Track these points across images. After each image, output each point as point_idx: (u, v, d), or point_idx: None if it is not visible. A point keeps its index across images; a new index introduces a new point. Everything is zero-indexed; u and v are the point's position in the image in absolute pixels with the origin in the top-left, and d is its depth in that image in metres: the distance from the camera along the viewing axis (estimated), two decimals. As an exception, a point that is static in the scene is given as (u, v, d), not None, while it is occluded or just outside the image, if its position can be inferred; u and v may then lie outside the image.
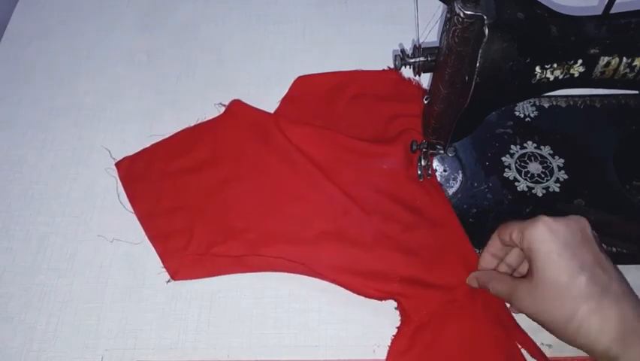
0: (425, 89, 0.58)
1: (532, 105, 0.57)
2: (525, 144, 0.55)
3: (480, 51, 0.35)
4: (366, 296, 0.47)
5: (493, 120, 0.56)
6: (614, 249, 0.48)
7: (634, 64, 0.38)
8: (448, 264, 0.47)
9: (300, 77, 0.61)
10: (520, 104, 0.57)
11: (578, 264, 0.36)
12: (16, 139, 0.59)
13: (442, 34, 0.38)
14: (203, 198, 0.52)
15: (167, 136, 0.57)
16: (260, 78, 0.62)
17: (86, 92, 0.62)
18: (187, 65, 0.64)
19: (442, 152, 0.47)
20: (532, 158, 0.54)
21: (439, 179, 0.53)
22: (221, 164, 0.54)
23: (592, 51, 0.38)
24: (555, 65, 0.38)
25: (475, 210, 0.51)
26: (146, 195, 0.53)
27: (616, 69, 0.38)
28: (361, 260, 0.48)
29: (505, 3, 0.36)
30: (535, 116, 0.57)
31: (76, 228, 0.52)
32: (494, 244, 0.44)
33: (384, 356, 0.44)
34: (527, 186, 0.52)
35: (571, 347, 0.37)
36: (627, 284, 0.37)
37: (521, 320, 0.44)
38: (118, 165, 0.55)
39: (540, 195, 0.51)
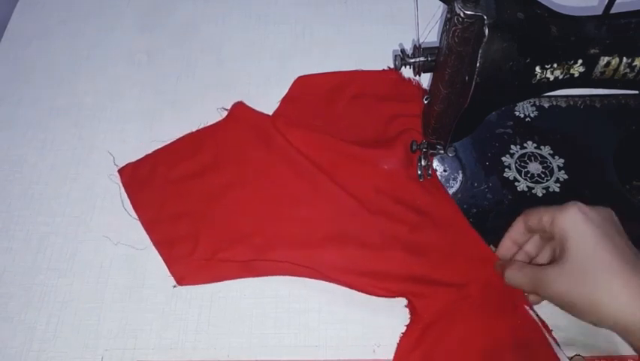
0: (425, 89, 0.58)
1: (532, 105, 0.57)
2: (525, 144, 0.55)
3: (480, 51, 0.35)
4: (375, 295, 0.47)
5: (493, 120, 0.56)
6: (614, 249, 0.48)
7: (634, 64, 0.38)
8: (459, 262, 0.47)
9: (300, 77, 0.61)
10: (520, 104, 0.57)
11: (610, 243, 0.37)
12: (16, 139, 0.59)
13: (442, 34, 0.38)
14: (207, 203, 0.52)
15: (170, 141, 0.56)
16: (260, 78, 0.62)
17: (86, 92, 0.62)
18: (187, 65, 0.64)
19: (442, 152, 0.47)
20: (532, 158, 0.54)
21: (438, 179, 0.53)
22: (225, 168, 0.54)
23: (592, 51, 0.38)
24: (555, 65, 0.38)
25: (475, 210, 0.51)
26: (150, 201, 0.53)
27: (616, 69, 0.38)
28: (369, 261, 0.48)
29: (505, 3, 0.36)
30: (535, 116, 0.57)
31: (77, 228, 0.52)
32: (517, 229, 0.44)
33: (384, 356, 0.44)
34: (527, 186, 0.52)
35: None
36: None
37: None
38: (121, 171, 0.55)
39: (540, 195, 0.51)
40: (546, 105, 0.57)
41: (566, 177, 0.52)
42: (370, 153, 0.54)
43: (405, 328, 0.45)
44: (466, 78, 0.37)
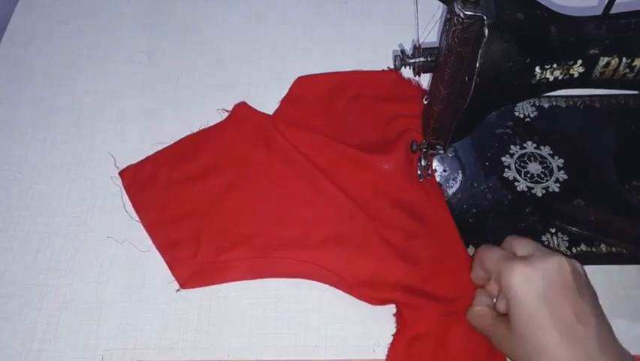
0: (425, 90, 0.58)
1: (532, 105, 0.57)
2: (525, 144, 0.55)
3: (480, 51, 0.35)
4: (367, 303, 0.47)
5: (493, 120, 0.56)
6: (613, 249, 0.48)
7: (634, 64, 0.38)
8: (449, 275, 0.47)
9: (300, 77, 0.61)
10: (520, 104, 0.57)
11: (551, 321, 0.35)
12: (16, 139, 0.59)
13: (441, 35, 0.38)
14: (209, 205, 0.52)
15: (170, 141, 0.56)
16: (260, 78, 0.62)
17: (85, 92, 0.62)
18: (187, 65, 0.64)
19: (441, 152, 0.47)
20: (532, 158, 0.54)
21: (438, 179, 0.53)
22: (226, 170, 0.54)
23: (592, 51, 0.38)
24: (555, 66, 0.38)
25: (474, 210, 0.51)
26: (152, 203, 0.53)
27: (616, 69, 0.38)
28: (364, 267, 0.48)
29: (505, 3, 0.36)
30: (535, 116, 0.57)
31: (77, 228, 0.52)
32: (476, 268, 0.43)
33: (384, 356, 0.44)
34: (527, 186, 0.52)
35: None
36: (609, 334, 0.36)
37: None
38: (122, 173, 0.55)
39: (540, 195, 0.51)
40: (546, 105, 0.57)
41: (565, 177, 0.52)
42: (370, 154, 0.54)
43: (392, 337, 0.45)
44: (466, 78, 0.37)
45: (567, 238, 0.49)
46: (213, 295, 0.48)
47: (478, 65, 0.36)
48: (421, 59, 0.41)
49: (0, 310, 0.48)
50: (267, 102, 0.59)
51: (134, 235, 0.51)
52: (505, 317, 0.39)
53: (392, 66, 0.60)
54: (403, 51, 0.41)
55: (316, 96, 0.59)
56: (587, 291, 0.37)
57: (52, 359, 0.46)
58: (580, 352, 0.35)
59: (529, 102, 0.57)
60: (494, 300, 0.42)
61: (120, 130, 0.59)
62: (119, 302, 0.48)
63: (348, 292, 0.47)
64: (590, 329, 0.35)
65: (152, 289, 0.49)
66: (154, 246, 0.50)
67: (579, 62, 0.38)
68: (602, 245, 0.48)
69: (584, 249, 0.48)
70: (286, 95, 0.60)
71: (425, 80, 0.59)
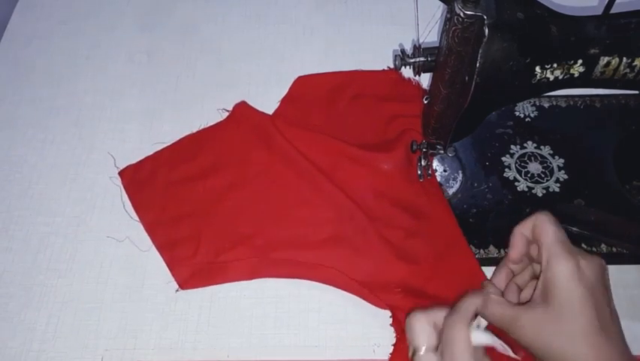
0: (425, 89, 0.58)
1: (532, 105, 0.57)
2: (525, 144, 0.55)
3: (480, 51, 0.35)
4: (368, 302, 0.47)
5: (493, 120, 0.56)
6: (614, 249, 0.48)
7: (634, 64, 0.38)
8: (449, 275, 0.47)
9: (300, 77, 0.61)
10: (520, 104, 0.57)
11: (595, 311, 0.36)
12: (16, 139, 0.59)
13: (442, 35, 0.38)
14: (209, 205, 0.52)
15: (170, 141, 0.56)
16: (260, 78, 0.62)
17: (85, 92, 0.62)
18: (187, 65, 0.64)
19: (442, 152, 0.47)
20: (532, 158, 0.54)
21: (439, 179, 0.53)
22: (226, 170, 0.54)
23: (592, 51, 0.38)
24: (555, 65, 0.38)
25: (475, 210, 0.51)
26: (152, 203, 0.53)
27: (616, 69, 0.38)
28: (364, 267, 0.48)
29: (505, 3, 0.36)
30: (535, 116, 0.57)
31: (76, 228, 0.52)
32: (519, 245, 0.40)
33: (384, 356, 0.44)
34: (527, 186, 0.52)
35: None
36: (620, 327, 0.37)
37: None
38: (121, 173, 0.55)
39: (540, 195, 0.51)
40: (546, 105, 0.57)
41: (565, 177, 0.52)
42: (370, 154, 0.54)
43: (392, 347, 0.44)
44: (466, 78, 0.37)
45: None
46: (213, 296, 0.48)
47: (478, 64, 0.36)
48: (421, 59, 0.41)
49: (0, 310, 0.48)
50: (267, 102, 0.59)
51: (133, 234, 0.51)
52: (526, 305, 0.39)
53: (392, 66, 0.60)
54: (403, 51, 0.41)
55: (316, 96, 0.59)
56: (611, 294, 0.39)
57: (51, 359, 0.46)
58: (613, 346, 0.36)
59: (530, 102, 0.57)
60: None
61: (120, 130, 0.59)
62: (118, 302, 0.48)
63: (348, 292, 0.47)
64: (619, 330, 0.37)
65: (151, 289, 0.49)
66: (153, 246, 0.50)
67: (579, 61, 0.38)
68: (602, 245, 0.48)
69: (584, 249, 0.48)
70: (286, 95, 0.60)
71: (425, 79, 0.59)
